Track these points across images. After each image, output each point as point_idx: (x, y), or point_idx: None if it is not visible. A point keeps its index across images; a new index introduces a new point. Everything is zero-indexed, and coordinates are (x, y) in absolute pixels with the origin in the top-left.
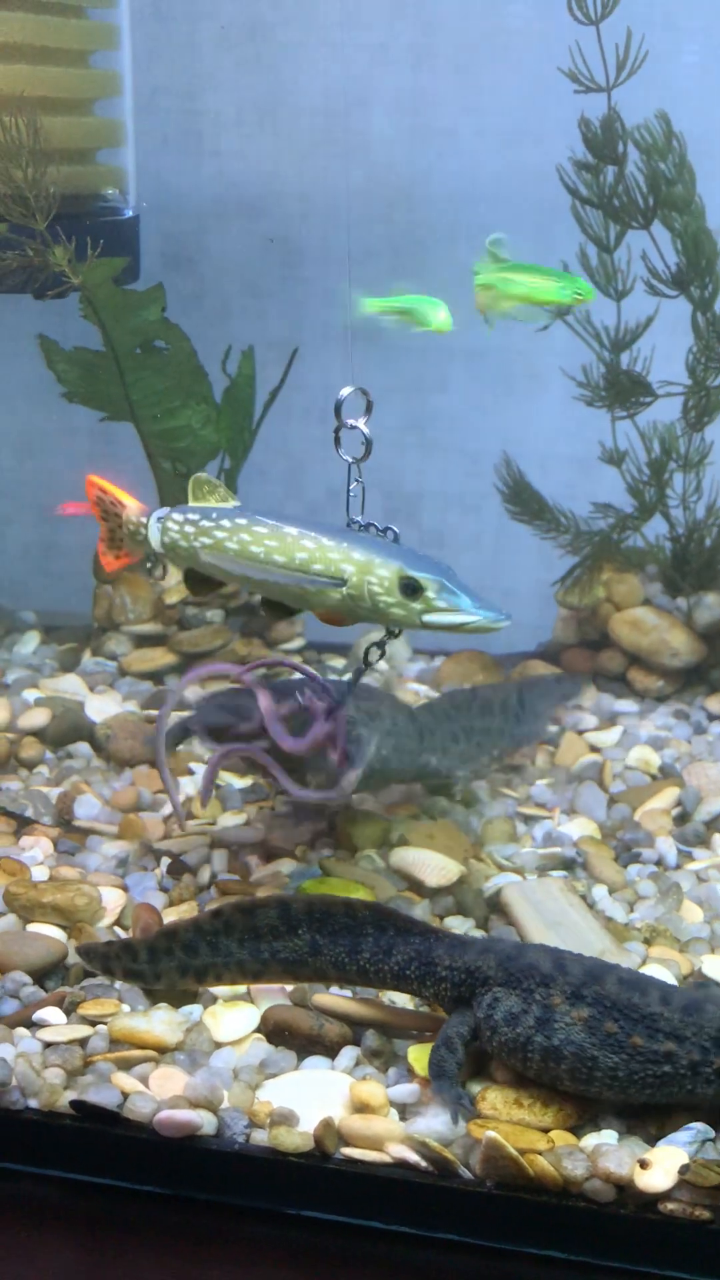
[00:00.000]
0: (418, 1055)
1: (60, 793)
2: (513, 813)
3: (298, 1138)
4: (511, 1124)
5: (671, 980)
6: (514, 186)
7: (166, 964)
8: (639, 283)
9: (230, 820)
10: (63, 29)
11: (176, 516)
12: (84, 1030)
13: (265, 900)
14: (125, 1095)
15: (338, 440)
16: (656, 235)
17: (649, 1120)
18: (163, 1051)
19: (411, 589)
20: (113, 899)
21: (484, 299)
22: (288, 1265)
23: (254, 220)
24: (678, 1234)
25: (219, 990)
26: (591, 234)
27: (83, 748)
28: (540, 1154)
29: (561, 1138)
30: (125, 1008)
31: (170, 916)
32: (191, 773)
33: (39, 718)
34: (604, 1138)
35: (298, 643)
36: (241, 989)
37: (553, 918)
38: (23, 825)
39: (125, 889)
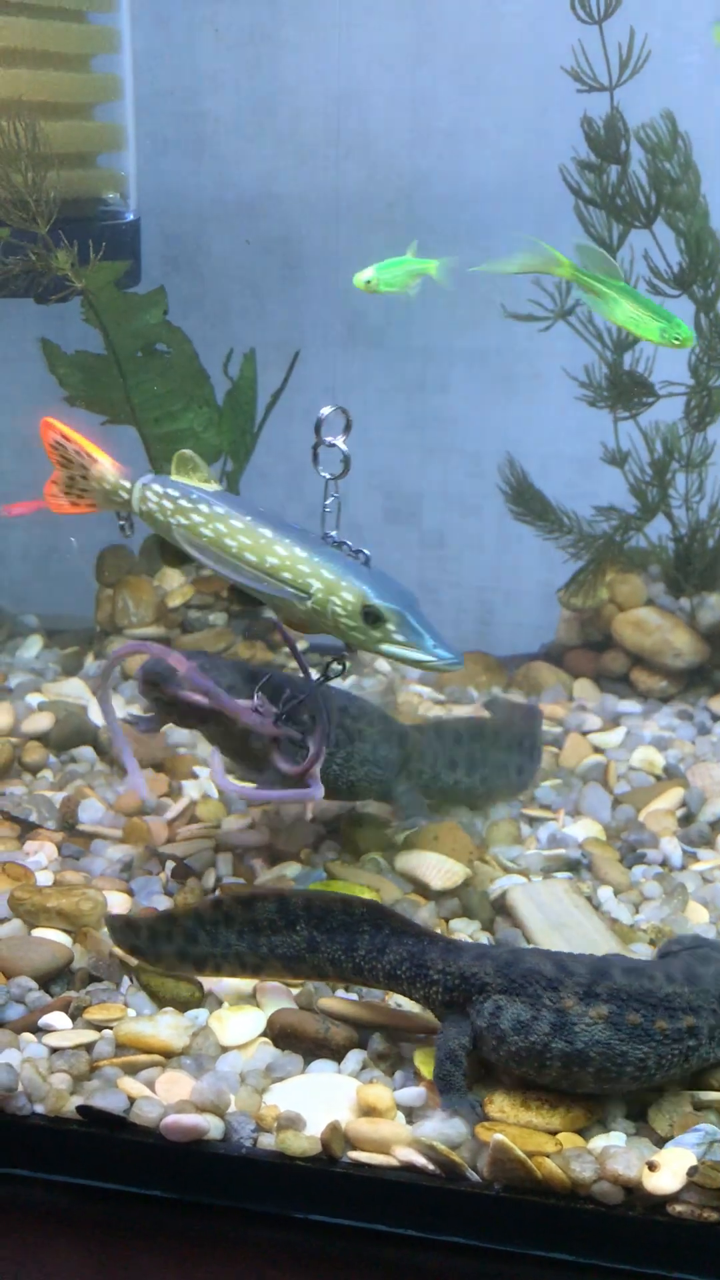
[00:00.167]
0: (424, 1058)
1: (64, 797)
2: (517, 814)
3: (305, 1141)
4: (519, 1126)
5: None
6: (515, 187)
7: (166, 948)
8: (641, 283)
9: (234, 823)
10: (63, 33)
11: (156, 487)
12: (90, 1035)
13: (264, 894)
14: (132, 1100)
15: (315, 457)
16: (659, 235)
17: (657, 1121)
18: (169, 1056)
19: (373, 618)
20: (118, 903)
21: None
22: (295, 1269)
23: (254, 222)
24: (686, 1236)
25: (224, 994)
26: (594, 234)
27: (86, 752)
28: (548, 1156)
29: (569, 1140)
30: (131, 1012)
31: None
32: (195, 776)
33: (42, 722)
34: (612, 1140)
35: (301, 645)
36: (247, 991)
37: (558, 920)
38: (27, 830)
39: (130, 893)
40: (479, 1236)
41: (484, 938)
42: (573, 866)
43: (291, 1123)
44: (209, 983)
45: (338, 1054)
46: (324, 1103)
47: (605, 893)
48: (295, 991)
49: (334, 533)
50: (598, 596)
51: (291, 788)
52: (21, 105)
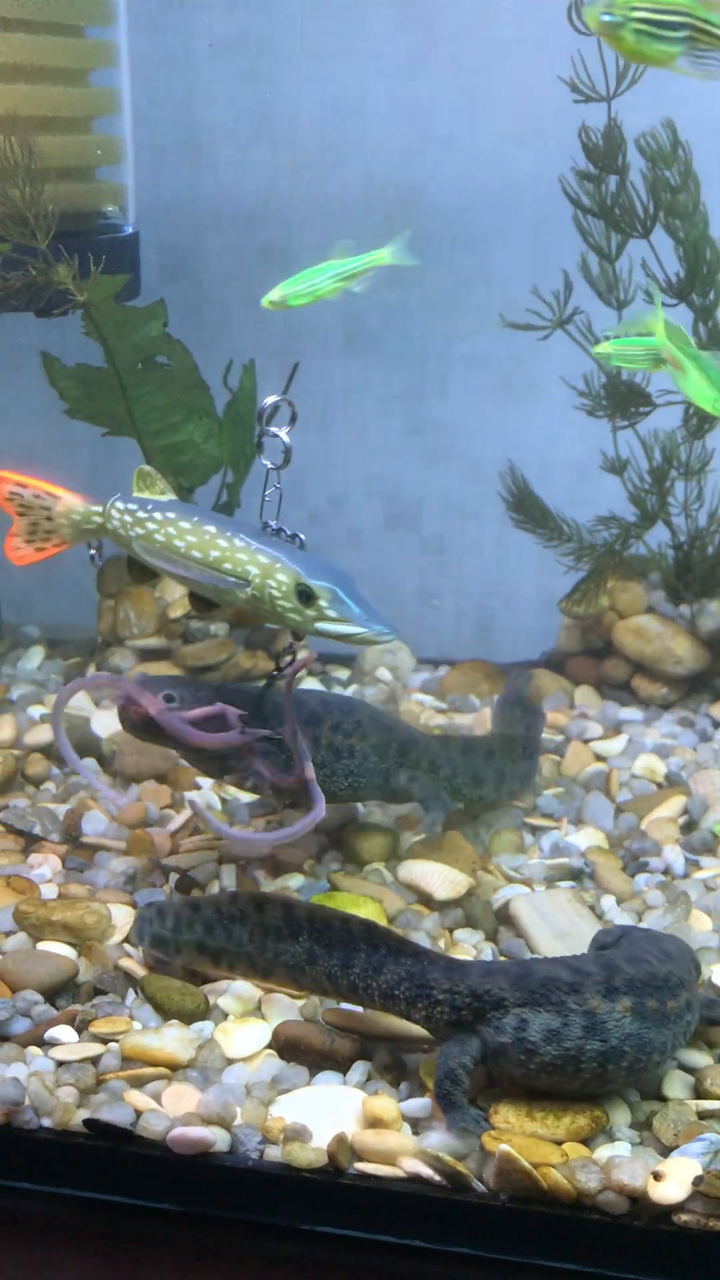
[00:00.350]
0: (429, 1070)
1: (67, 809)
2: (520, 823)
3: (311, 1153)
4: (524, 1136)
5: None
6: (512, 196)
7: (188, 936)
8: (639, 292)
9: (238, 834)
10: (61, 48)
11: (119, 505)
12: (96, 1048)
13: (273, 898)
14: (138, 1113)
15: (260, 446)
16: (657, 244)
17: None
18: (175, 1069)
19: (306, 596)
20: (122, 916)
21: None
22: None
23: (252, 231)
24: (692, 1245)
25: (230, 1006)
26: (593, 243)
27: (89, 763)
28: (554, 1166)
29: (574, 1150)
30: (137, 1025)
31: None
32: (198, 787)
33: (45, 734)
34: (617, 1150)
35: (301, 654)
36: (252, 1003)
37: (561, 929)
38: (31, 843)
39: (134, 905)
40: (485, 1247)
41: (488, 948)
42: (576, 875)
43: (298, 1134)
44: (214, 995)
45: (343, 1066)
46: (330, 1114)
47: (608, 901)
48: (300, 1003)
49: (273, 521)
50: (598, 604)
51: (285, 795)
52: (20, 120)
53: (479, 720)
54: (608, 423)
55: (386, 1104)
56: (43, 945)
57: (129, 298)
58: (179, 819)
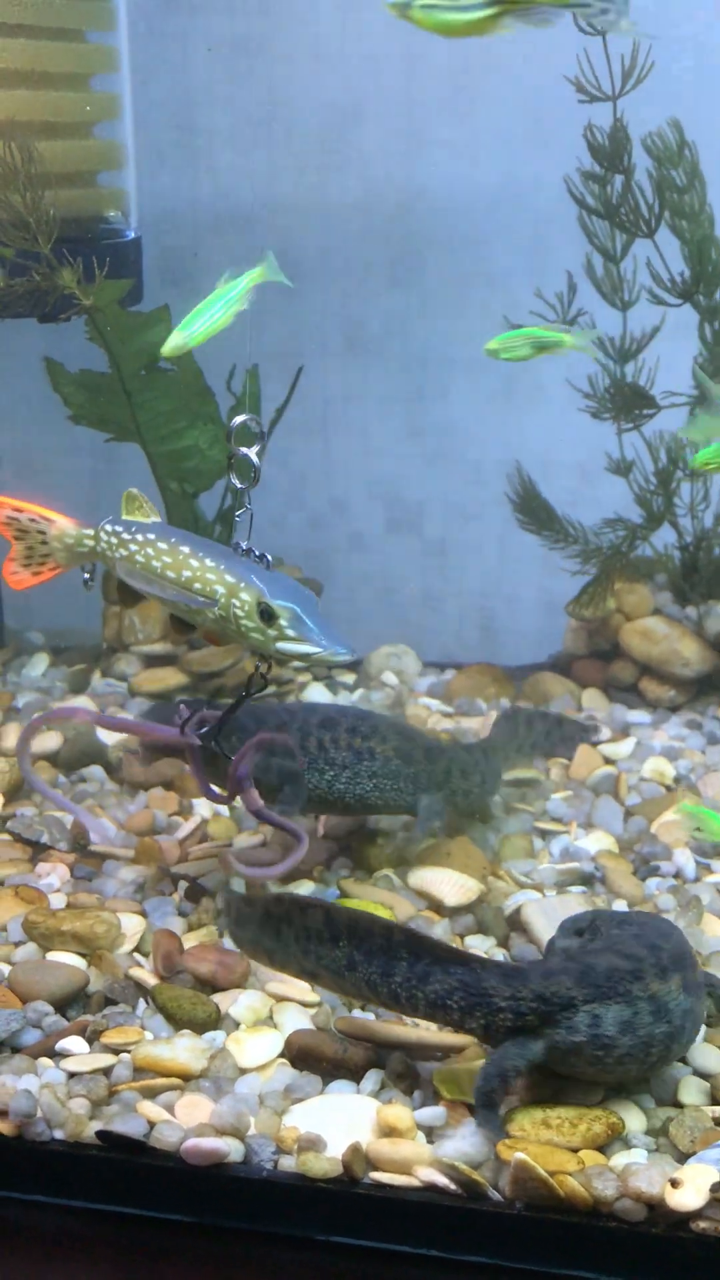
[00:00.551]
0: (443, 1078)
1: (74, 818)
2: (529, 828)
3: (326, 1163)
4: (540, 1144)
5: None
6: (511, 197)
7: (246, 933)
8: (643, 293)
9: (246, 841)
10: (62, 53)
11: (108, 527)
12: (107, 1059)
13: (313, 903)
14: (151, 1124)
15: (231, 466)
16: (661, 245)
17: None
18: (187, 1079)
19: (268, 615)
20: (131, 925)
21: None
22: None
23: (251, 234)
24: (710, 1253)
25: (241, 1016)
26: (598, 244)
27: (96, 771)
28: (570, 1174)
29: (590, 1158)
30: (148, 1035)
31: (190, 942)
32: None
33: (51, 742)
34: (633, 1157)
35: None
36: (264, 1013)
37: None
38: (38, 851)
39: (144, 914)
40: (501, 1256)
41: (499, 954)
42: (586, 880)
43: (312, 1144)
44: (225, 1004)
45: (356, 1074)
46: (343, 1123)
47: (620, 906)
48: (312, 1012)
49: (244, 542)
50: (605, 607)
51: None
52: (22, 126)
53: (485, 724)
54: (610, 424)
55: (401, 1113)
56: (52, 955)
57: (132, 303)
58: (187, 826)
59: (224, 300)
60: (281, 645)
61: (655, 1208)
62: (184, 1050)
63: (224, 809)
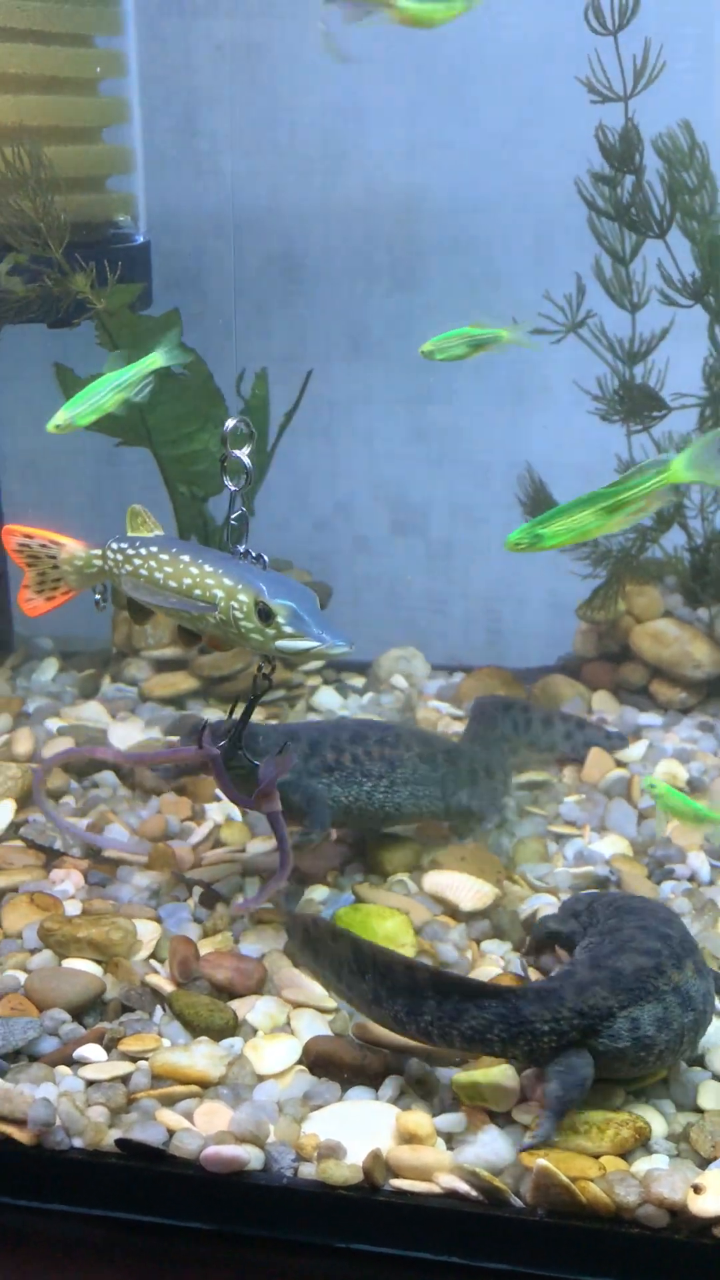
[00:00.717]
0: (462, 1083)
1: (88, 823)
2: (543, 831)
3: (346, 1170)
4: (561, 1150)
5: None
6: (514, 199)
7: (301, 952)
8: (653, 294)
9: (259, 846)
10: (71, 58)
11: (114, 545)
12: (125, 1067)
13: (341, 933)
14: (171, 1132)
15: (224, 468)
16: (671, 246)
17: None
18: (205, 1086)
19: (265, 614)
20: (147, 931)
21: None
22: None
23: (255, 238)
24: None
25: (259, 1022)
26: (606, 245)
27: (108, 776)
28: (592, 1180)
29: (612, 1163)
30: (166, 1042)
31: (205, 948)
32: (218, 799)
33: (63, 747)
34: (655, 1162)
35: (316, 662)
36: (281, 1020)
37: None
38: (52, 858)
39: (159, 920)
40: (523, 1263)
41: (515, 960)
42: (601, 884)
43: (332, 1151)
44: (242, 1011)
45: (374, 1081)
46: (363, 1130)
47: None
48: (330, 1018)
49: (241, 546)
50: (616, 609)
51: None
52: (31, 131)
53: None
54: (616, 426)
55: (421, 1119)
56: (68, 962)
57: (141, 307)
58: (200, 831)
59: (113, 384)
60: (281, 643)
61: (678, 1214)
62: (202, 1057)
63: (237, 814)
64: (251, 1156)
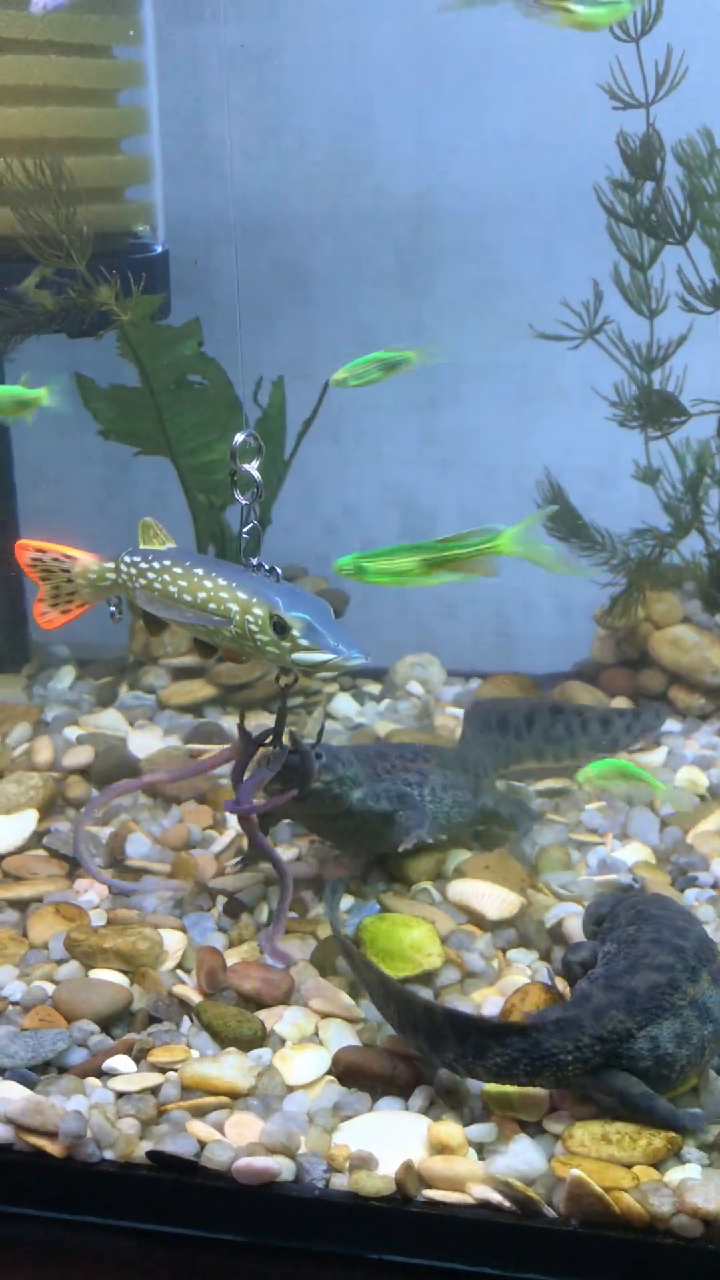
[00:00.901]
0: (492, 1093)
1: (110, 833)
2: (565, 839)
3: (379, 1181)
4: (597, 1160)
5: None
6: (522, 203)
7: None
8: (673, 299)
9: (281, 855)
10: (91, 69)
11: (126, 559)
12: (155, 1078)
13: (368, 963)
14: (202, 1144)
15: (234, 482)
16: (690, 252)
17: None
18: (235, 1097)
19: (281, 628)
20: (173, 941)
21: None
22: None
23: (263, 243)
24: None
25: (287, 1032)
26: (625, 251)
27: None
28: (625, 1190)
29: (645, 1173)
30: (194, 1053)
31: (232, 958)
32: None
33: (83, 756)
34: (688, 1172)
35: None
36: (310, 1030)
37: None
38: (76, 868)
39: (184, 930)
40: (558, 1273)
41: (542, 968)
42: (625, 891)
43: (364, 1162)
44: (270, 1021)
45: (404, 1091)
46: (394, 1141)
47: None
48: (358, 1028)
49: (254, 560)
50: (635, 616)
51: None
52: (52, 142)
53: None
54: (625, 430)
55: (452, 1129)
56: (95, 973)
57: (161, 317)
58: (222, 840)
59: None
60: (297, 656)
61: (712, 1224)
62: (231, 1068)
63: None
64: (283, 1168)
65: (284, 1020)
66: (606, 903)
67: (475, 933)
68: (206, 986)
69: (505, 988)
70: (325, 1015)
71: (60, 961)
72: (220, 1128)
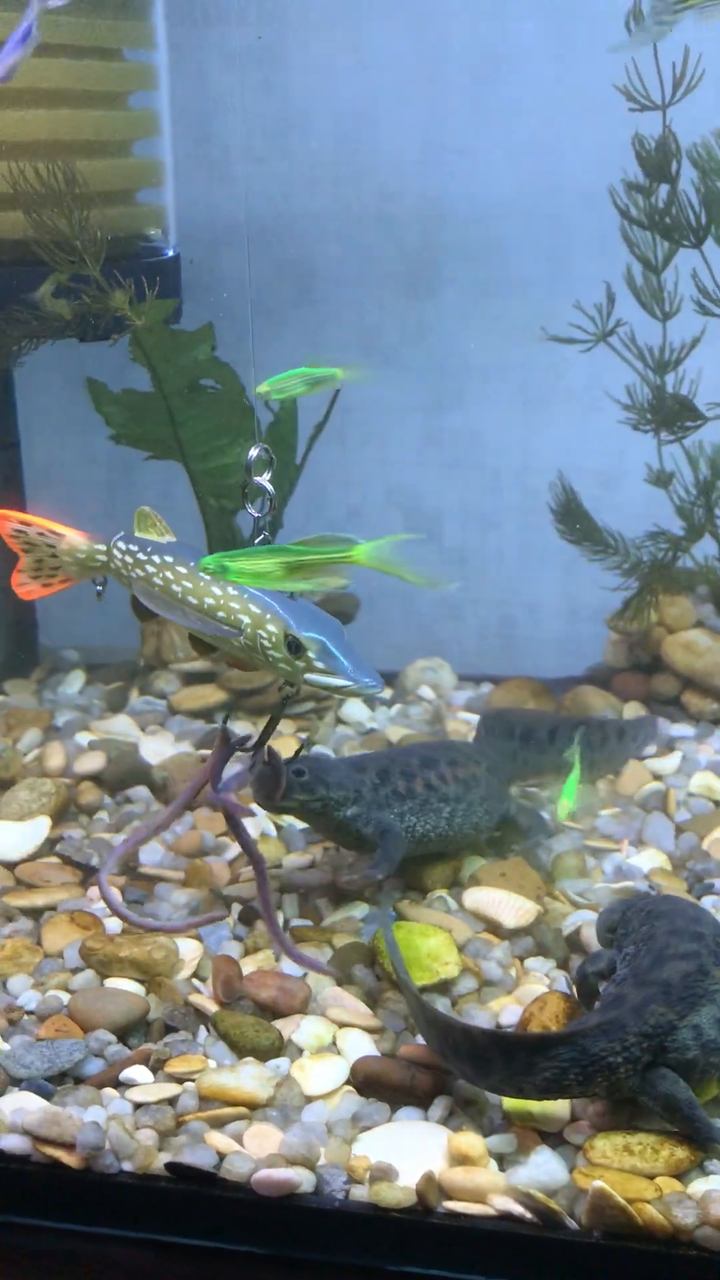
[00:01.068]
0: (513, 1103)
1: (123, 839)
2: (580, 846)
3: (399, 1192)
4: (619, 1171)
5: None
6: (528, 205)
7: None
8: (686, 302)
9: (294, 860)
10: (103, 72)
11: (121, 545)
12: (172, 1089)
13: (407, 984)
14: (221, 1155)
15: (245, 495)
16: (705, 255)
17: None
18: (253, 1108)
19: (295, 647)
20: (188, 950)
21: None
22: None
23: (268, 244)
24: None
25: (305, 1042)
26: (639, 254)
27: (141, 791)
28: (648, 1202)
29: (668, 1185)
30: (212, 1063)
31: (248, 967)
32: (253, 814)
33: (94, 761)
34: (712, 1183)
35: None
36: (328, 1040)
37: None
38: (89, 875)
39: (199, 938)
40: None
41: (560, 976)
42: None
43: (384, 1174)
44: (287, 1030)
45: (424, 1101)
46: (413, 1151)
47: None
48: (376, 1037)
49: None
50: (648, 620)
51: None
52: (64, 146)
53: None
54: (630, 431)
55: (473, 1140)
56: (110, 982)
57: (174, 321)
58: (236, 847)
59: None
60: (311, 677)
61: None
62: (249, 1078)
63: (272, 829)
64: (303, 1179)
65: (301, 1029)
66: (617, 909)
67: (492, 941)
68: (223, 995)
69: (523, 996)
70: (343, 1024)
71: (75, 970)
72: (239, 1139)
